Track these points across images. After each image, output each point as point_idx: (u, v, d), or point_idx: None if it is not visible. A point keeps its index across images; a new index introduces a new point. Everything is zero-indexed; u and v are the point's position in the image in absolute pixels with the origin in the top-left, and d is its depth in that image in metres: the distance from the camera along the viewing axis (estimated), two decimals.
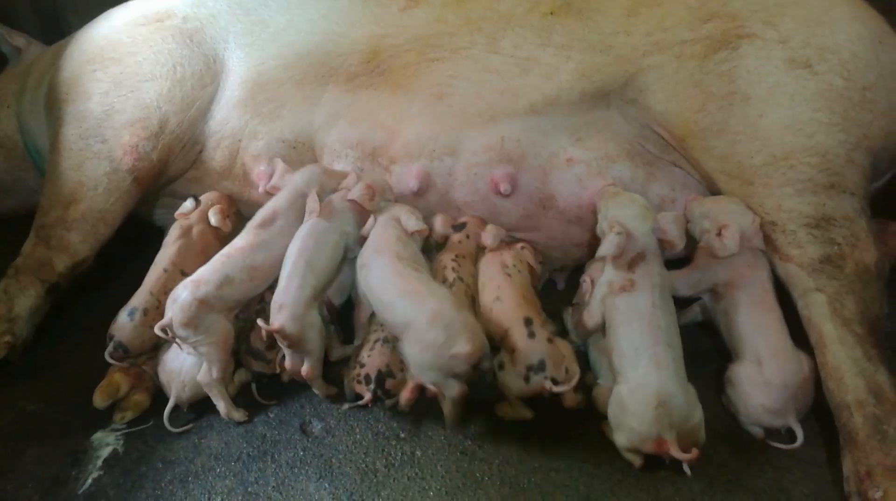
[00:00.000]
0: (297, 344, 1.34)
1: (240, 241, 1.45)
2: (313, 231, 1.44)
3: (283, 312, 1.34)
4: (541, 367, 1.24)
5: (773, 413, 1.26)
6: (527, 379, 1.25)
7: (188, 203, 1.61)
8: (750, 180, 1.40)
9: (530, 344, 1.26)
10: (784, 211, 1.36)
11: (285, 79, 1.64)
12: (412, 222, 1.47)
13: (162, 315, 1.37)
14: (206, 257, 1.46)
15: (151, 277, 1.49)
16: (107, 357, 1.40)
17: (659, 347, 1.24)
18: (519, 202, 1.55)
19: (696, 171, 1.51)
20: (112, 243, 1.61)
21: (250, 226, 1.49)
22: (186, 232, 1.56)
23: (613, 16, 1.53)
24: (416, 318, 1.25)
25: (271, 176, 1.59)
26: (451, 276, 1.44)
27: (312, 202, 1.45)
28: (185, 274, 1.45)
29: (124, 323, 1.41)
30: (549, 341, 1.27)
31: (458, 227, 1.55)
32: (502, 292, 1.38)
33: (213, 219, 1.58)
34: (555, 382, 1.24)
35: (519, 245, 1.54)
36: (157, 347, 1.44)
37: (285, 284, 1.37)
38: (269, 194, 1.56)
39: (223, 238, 1.55)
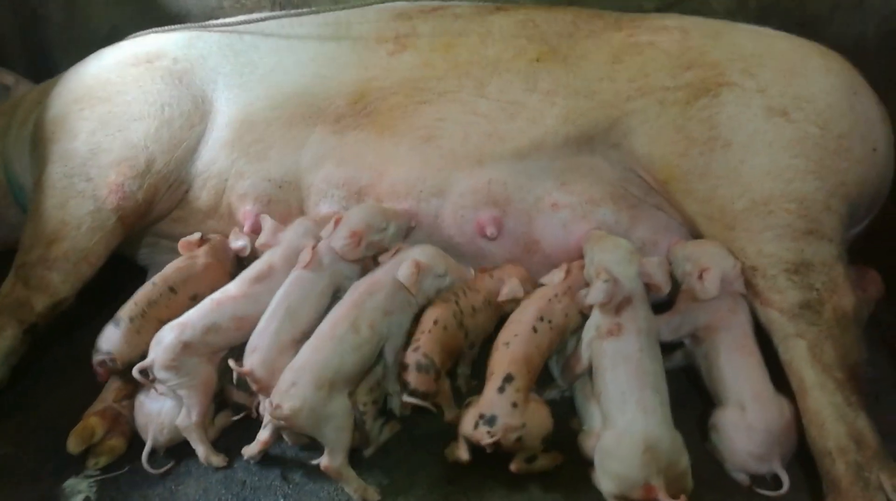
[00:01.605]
0: (265, 389, 1.30)
1: (232, 289, 1.45)
2: (299, 280, 1.42)
3: (255, 355, 1.32)
4: (490, 421, 1.22)
5: (758, 459, 1.26)
6: (475, 426, 1.23)
7: (195, 235, 1.61)
8: (731, 225, 1.42)
9: (494, 397, 1.25)
10: (764, 256, 1.37)
11: (273, 119, 1.65)
12: (404, 272, 1.38)
13: (150, 325, 1.37)
14: (201, 287, 1.47)
15: (139, 291, 1.49)
16: (95, 368, 1.38)
17: (646, 391, 1.24)
18: (504, 246, 1.56)
19: (678, 214, 1.54)
20: (92, 283, 1.58)
21: (245, 277, 1.48)
22: (191, 260, 1.56)
23: (598, 63, 1.57)
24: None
25: (257, 217, 1.59)
26: (449, 296, 1.41)
27: (306, 255, 1.43)
28: (173, 291, 1.47)
29: (111, 333, 1.39)
30: (514, 405, 1.23)
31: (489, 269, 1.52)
32: (515, 341, 1.33)
33: (237, 243, 1.58)
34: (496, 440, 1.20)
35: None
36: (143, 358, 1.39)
37: (263, 326, 1.36)
38: (255, 246, 1.55)
39: (227, 276, 1.54)
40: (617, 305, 1.34)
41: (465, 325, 1.39)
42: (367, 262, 1.50)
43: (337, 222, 1.47)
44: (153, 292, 1.47)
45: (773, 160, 1.40)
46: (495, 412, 1.23)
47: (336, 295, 1.45)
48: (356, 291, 1.40)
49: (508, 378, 1.26)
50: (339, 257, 1.45)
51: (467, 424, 1.25)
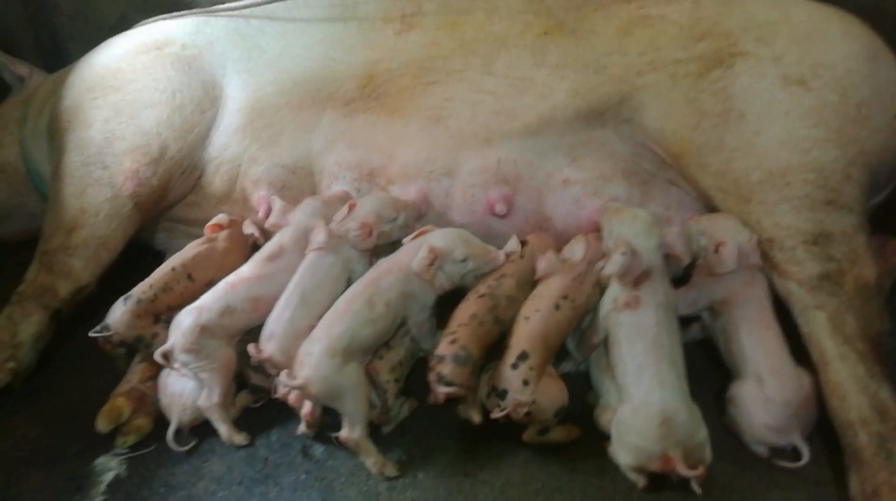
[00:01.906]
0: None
1: (245, 271, 1.46)
2: (313, 265, 1.43)
3: (272, 342, 1.34)
4: (501, 395, 1.24)
5: (777, 431, 1.25)
6: (487, 396, 1.28)
7: (223, 216, 1.62)
8: (747, 198, 1.40)
9: (507, 373, 1.25)
10: (781, 228, 1.35)
11: (283, 104, 1.65)
12: (418, 260, 1.35)
13: (155, 311, 1.40)
14: (219, 272, 1.48)
15: (157, 272, 1.50)
16: (90, 334, 1.40)
17: (662, 365, 1.24)
18: (515, 224, 1.56)
19: (692, 189, 1.51)
20: (113, 268, 1.61)
21: (258, 258, 1.49)
22: (211, 244, 1.57)
23: (607, 36, 1.54)
24: None
25: (270, 205, 1.59)
26: (482, 290, 1.39)
27: (320, 234, 1.44)
28: (191, 279, 1.48)
29: (117, 307, 1.42)
30: (525, 383, 1.23)
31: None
32: (535, 317, 1.32)
33: (248, 229, 1.59)
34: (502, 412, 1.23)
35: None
36: (140, 341, 1.42)
37: (278, 313, 1.38)
38: (265, 229, 1.56)
39: (244, 261, 1.53)
40: (636, 278, 1.33)
41: (501, 318, 1.37)
42: (378, 250, 1.50)
43: (351, 209, 1.47)
44: (171, 278, 1.48)
45: (789, 130, 1.38)
46: (506, 386, 1.24)
47: (348, 282, 1.45)
48: (376, 269, 1.40)
49: (523, 356, 1.26)
50: (350, 244, 1.45)
51: (482, 391, 1.28)
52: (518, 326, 1.33)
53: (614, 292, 1.35)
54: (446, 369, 1.26)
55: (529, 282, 1.44)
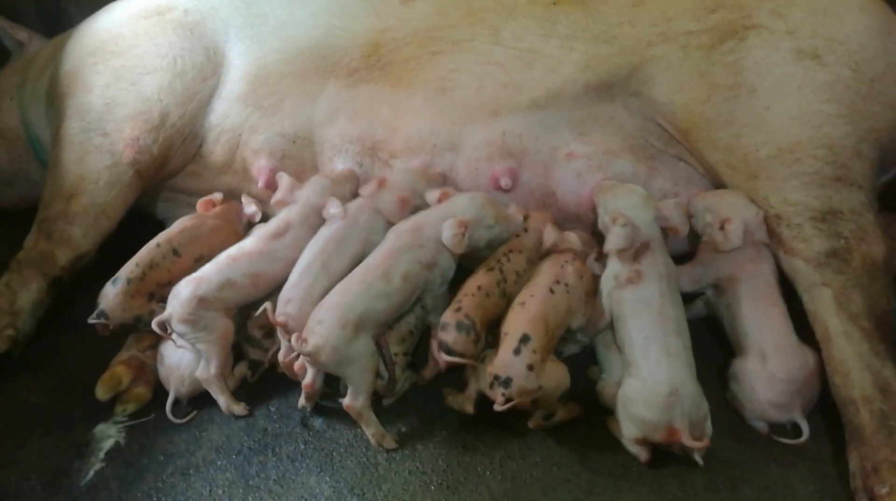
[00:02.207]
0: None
1: (248, 245, 1.44)
2: (336, 236, 1.41)
3: (289, 306, 1.33)
4: (505, 383, 1.19)
5: (778, 408, 1.25)
6: (490, 386, 1.22)
7: (218, 194, 1.61)
8: (755, 173, 1.38)
9: (509, 359, 1.21)
10: (789, 204, 1.34)
11: (286, 73, 1.63)
12: (448, 235, 1.33)
13: (147, 289, 1.39)
14: (207, 248, 1.46)
15: (143, 249, 1.47)
16: (89, 321, 1.39)
17: (669, 336, 1.23)
18: (519, 198, 1.54)
19: (700, 164, 1.50)
20: (114, 237, 1.60)
21: (262, 233, 1.47)
22: (201, 219, 1.55)
23: (618, 6, 1.52)
24: None
25: (271, 172, 1.58)
26: (491, 263, 1.38)
27: (335, 208, 1.43)
28: (176, 254, 1.45)
29: (108, 291, 1.40)
30: (530, 368, 1.20)
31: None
32: (531, 302, 1.30)
33: (249, 208, 1.58)
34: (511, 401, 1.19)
35: (593, 255, 1.42)
36: (140, 320, 1.41)
37: (297, 279, 1.36)
38: (271, 204, 1.54)
39: (236, 238, 1.52)
40: (635, 251, 1.32)
41: (508, 292, 1.36)
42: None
43: (380, 184, 1.46)
44: (157, 253, 1.44)
45: (801, 105, 1.35)
46: (510, 374, 1.19)
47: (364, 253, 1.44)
48: (398, 239, 1.37)
49: (525, 339, 1.23)
50: (375, 215, 1.44)
51: (483, 381, 1.24)
52: (514, 312, 1.30)
53: (614, 268, 1.33)
54: (449, 336, 1.25)
55: (536, 257, 1.43)
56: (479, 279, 1.35)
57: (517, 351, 1.22)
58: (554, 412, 1.28)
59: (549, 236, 1.42)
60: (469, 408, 1.27)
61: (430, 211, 1.43)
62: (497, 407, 1.20)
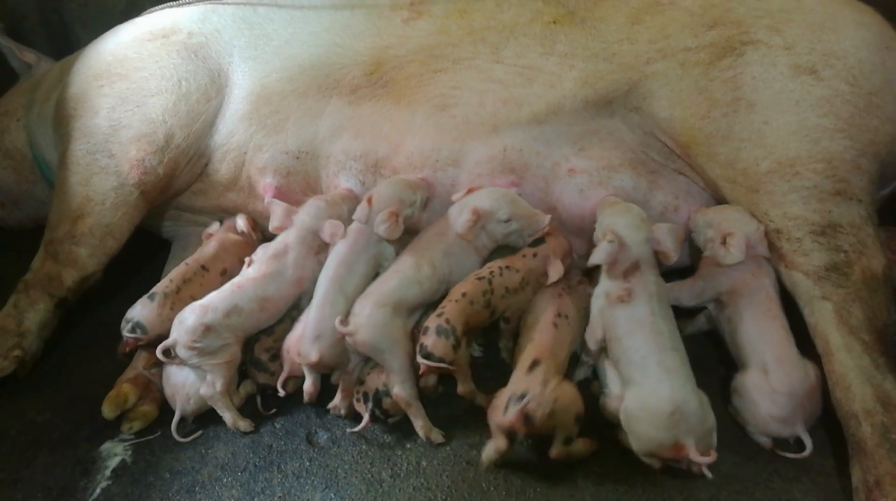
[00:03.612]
0: (330, 371, 1.38)
1: (251, 271, 1.46)
2: (344, 261, 1.43)
3: (322, 341, 1.33)
4: (521, 398, 1.18)
5: (781, 422, 1.25)
6: (505, 409, 1.19)
7: (214, 225, 1.69)
8: (755, 188, 1.39)
9: (524, 377, 1.22)
10: (789, 218, 1.35)
11: (289, 91, 1.65)
12: (461, 221, 1.41)
13: (180, 302, 1.42)
14: (229, 263, 1.53)
15: (175, 269, 1.54)
16: (124, 335, 1.42)
17: (665, 352, 1.23)
18: None
19: (700, 178, 1.51)
20: (119, 256, 1.62)
21: (263, 257, 1.49)
22: (223, 235, 1.63)
23: (616, 24, 1.53)
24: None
25: (277, 189, 1.60)
26: (483, 272, 1.40)
27: (334, 227, 1.45)
28: (205, 269, 1.53)
29: (145, 304, 1.44)
30: (545, 383, 1.20)
31: (536, 242, 1.45)
32: (538, 337, 1.32)
33: (241, 224, 1.64)
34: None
35: (583, 287, 1.45)
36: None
37: (319, 313, 1.36)
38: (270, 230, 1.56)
39: (252, 249, 1.57)
40: (625, 270, 1.33)
41: (493, 304, 1.37)
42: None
43: (370, 202, 1.46)
44: (188, 270, 1.52)
45: (800, 120, 1.36)
46: (525, 389, 1.20)
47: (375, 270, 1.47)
48: (425, 233, 1.47)
49: (535, 363, 1.25)
50: (375, 237, 1.45)
51: (498, 413, 1.20)
52: (523, 344, 1.34)
53: (605, 286, 1.35)
54: (429, 340, 1.28)
55: (536, 283, 1.43)
56: (465, 286, 1.37)
57: (531, 369, 1.24)
58: (573, 436, 1.23)
59: (554, 273, 1.42)
60: (501, 444, 1.21)
61: (453, 207, 1.49)
62: (516, 422, 1.15)
